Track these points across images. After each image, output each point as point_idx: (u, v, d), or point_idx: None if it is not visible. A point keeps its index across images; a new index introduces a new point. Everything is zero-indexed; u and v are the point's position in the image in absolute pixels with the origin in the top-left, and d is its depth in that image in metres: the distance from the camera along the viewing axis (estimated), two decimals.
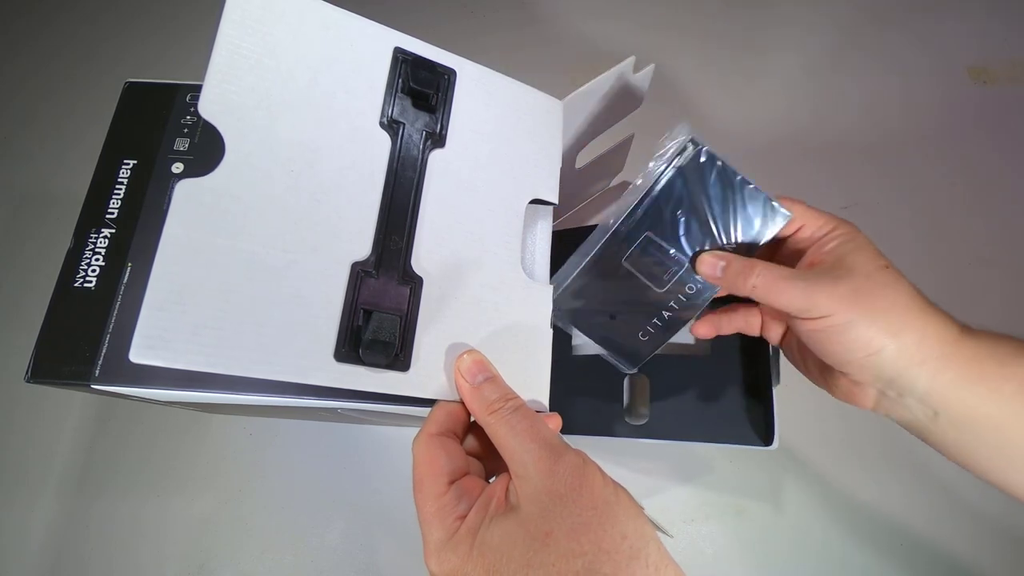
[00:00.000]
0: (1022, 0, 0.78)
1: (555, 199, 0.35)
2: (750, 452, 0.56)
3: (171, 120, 0.34)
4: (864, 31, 0.76)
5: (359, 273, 0.28)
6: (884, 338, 0.32)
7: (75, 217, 0.33)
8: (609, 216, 0.37)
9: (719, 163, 0.36)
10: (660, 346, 0.39)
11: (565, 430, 0.33)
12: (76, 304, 0.32)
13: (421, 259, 0.30)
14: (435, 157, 0.31)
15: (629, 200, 0.37)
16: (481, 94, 0.33)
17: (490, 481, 0.30)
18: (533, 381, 0.32)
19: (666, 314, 0.38)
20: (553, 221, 0.38)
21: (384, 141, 0.30)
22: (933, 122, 0.71)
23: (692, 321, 0.39)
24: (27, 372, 0.31)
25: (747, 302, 0.40)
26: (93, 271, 0.32)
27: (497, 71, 0.35)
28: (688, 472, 0.56)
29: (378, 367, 0.28)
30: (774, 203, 0.36)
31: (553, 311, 0.36)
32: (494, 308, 0.31)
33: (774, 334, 0.41)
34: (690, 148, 0.36)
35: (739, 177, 0.36)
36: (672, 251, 0.37)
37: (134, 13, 0.74)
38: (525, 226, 0.34)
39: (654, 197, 0.37)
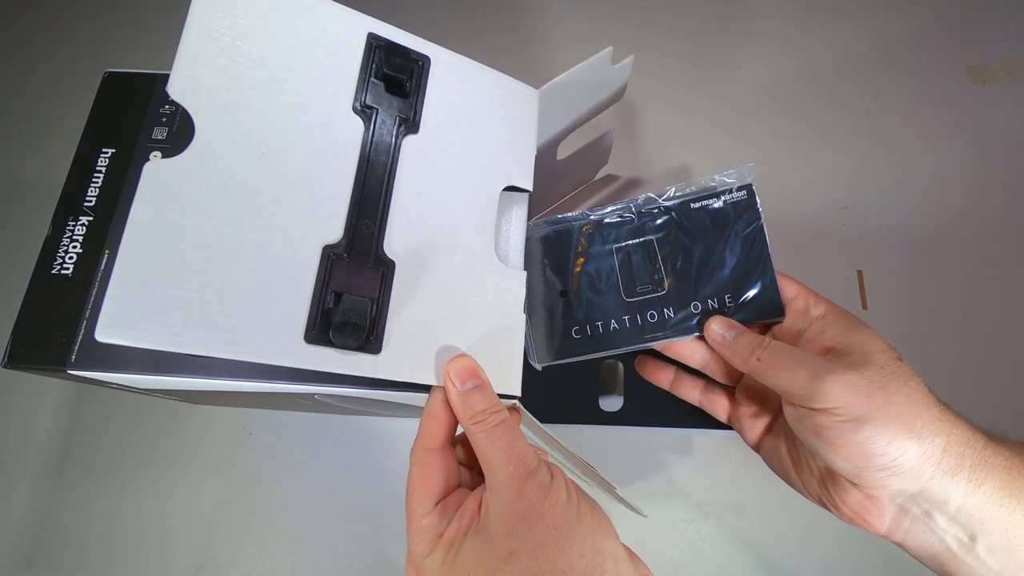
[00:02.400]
0: (1022, 0, 0.77)
1: (529, 186, 0.35)
2: (750, 451, 0.55)
3: (150, 109, 0.35)
4: (861, 30, 0.76)
5: (330, 256, 0.28)
6: (905, 439, 0.27)
7: (52, 206, 0.33)
8: (639, 197, 0.37)
9: (760, 223, 0.35)
10: (583, 357, 0.36)
11: (540, 420, 0.33)
12: (53, 290, 0.32)
13: (394, 244, 0.30)
14: (408, 143, 0.32)
15: (664, 195, 0.36)
16: (455, 81, 0.34)
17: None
18: (506, 369, 0.32)
19: (614, 325, 0.36)
20: (537, 213, 0.38)
21: (357, 126, 0.30)
22: (932, 122, 0.70)
23: (635, 349, 0.36)
24: (3, 358, 0.31)
25: (712, 382, 0.38)
26: (71, 258, 0.32)
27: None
28: (687, 472, 0.56)
29: (348, 349, 0.28)
30: (777, 299, 0.34)
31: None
32: (467, 293, 0.31)
33: (750, 432, 0.37)
34: (744, 193, 0.36)
35: (767, 249, 0.35)
36: (662, 271, 0.36)
37: (108, 3, 0.75)
38: (500, 213, 0.34)
39: (686, 210, 0.36)
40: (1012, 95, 0.72)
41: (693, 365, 0.37)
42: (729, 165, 0.37)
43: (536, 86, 0.37)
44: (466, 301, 0.31)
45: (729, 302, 0.35)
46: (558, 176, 0.48)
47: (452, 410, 0.30)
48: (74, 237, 0.33)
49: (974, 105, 0.71)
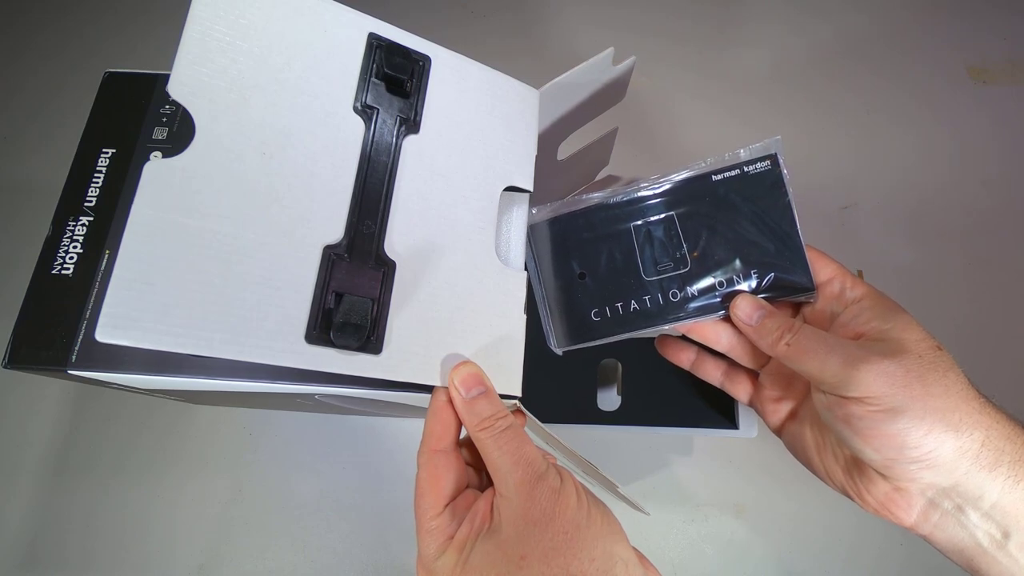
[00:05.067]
0: (1022, 0, 0.77)
1: (530, 187, 0.35)
2: (750, 451, 0.56)
3: (150, 109, 0.35)
4: (862, 31, 0.76)
5: (331, 256, 0.28)
6: (942, 432, 0.26)
7: (53, 206, 0.33)
8: (653, 175, 0.35)
9: (786, 195, 0.33)
10: (603, 339, 0.35)
11: (540, 420, 0.33)
12: (54, 290, 0.32)
13: (394, 244, 0.30)
14: (409, 143, 0.32)
15: (683, 170, 0.34)
16: (456, 81, 0.34)
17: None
18: (506, 369, 0.32)
19: (634, 306, 0.35)
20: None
21: (357, 126, 0.30)
22: (932, 122, 0.70)
23: (657, 331, 0.35)
24: (4, 358, 0.31)
25: (736, 363, 0.37)
26: (71, 258, 0.32)
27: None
28: (687, 472, 0.56)
29: (349, 350, 0.28)
30: (807, 275, 0.33)
31: (537, 218, 0.34)
32: (467, 293, 0.31)
33: (773, 415, 0.36)
34: (767, 164, 0.34)
35: (796, 223, 0.33)
36: (684, 248, 0.34)
37: (108, 3, 0.75)
38: (500, 213, 0.34)
39: (707, 183, 0.34)
40: (1012, 95, 0.72)
41: (718, 349, 0.36)
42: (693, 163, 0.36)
43: (537, 86, 0.37)
44: (466, 301, 0.31)
45: (756, 279, 0.33)
46: (558, 176, 0.48)
47: (456, 411, 0.30)
48: (74, 237, 0.33)
49: (974, 105, 0.72)
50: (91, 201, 0.33)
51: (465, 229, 0.32)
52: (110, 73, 0.36)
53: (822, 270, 0.33)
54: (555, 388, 0.47)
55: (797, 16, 0.77)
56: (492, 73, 0.35)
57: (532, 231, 0.37)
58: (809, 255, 0.34)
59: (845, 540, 0.54)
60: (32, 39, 0.72)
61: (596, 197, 0.36)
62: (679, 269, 0.34)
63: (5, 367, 0.31)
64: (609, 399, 0.47)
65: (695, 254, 0.34)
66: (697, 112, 0.71)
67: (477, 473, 0.32)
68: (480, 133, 0.34)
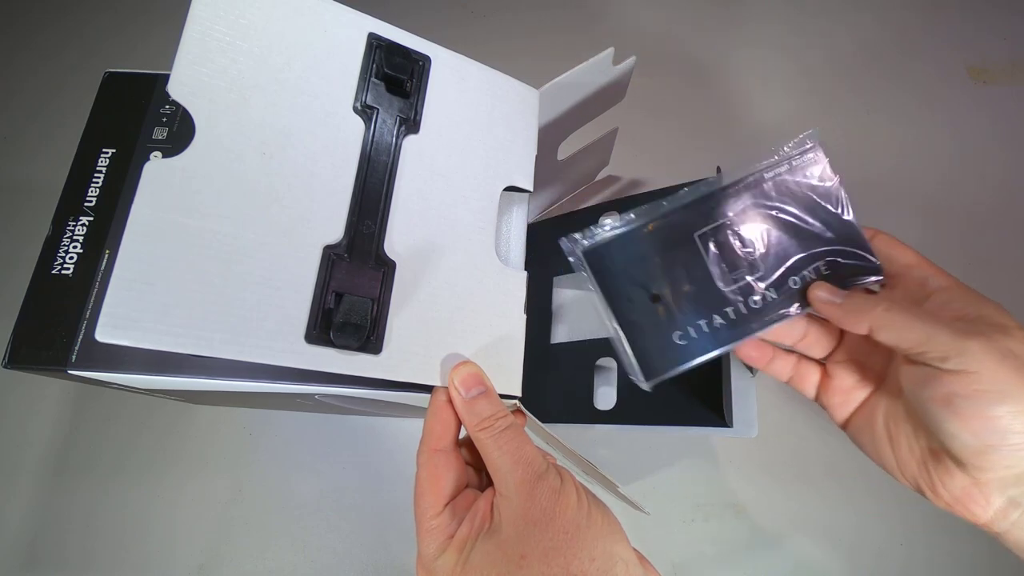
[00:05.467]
0: (1022, 0, 0.77)
1: (530, 186, 0.35)
2: (750, 451, 0.56)
3: (150, 109, 0.35)
4: (862, 31, 0.76)
5: (331, 256, 0.28)
6: None
7: (53, 206, 0.33)
8: (708, 178, 0.34)
9: (833, 180, 0.33)
10: (693, 362, 0.32)
11: (539, 420, 0.33)
12: (54, 290, 0.32)
13: (394, 244, 0.30)
14: (409, 143, 0.32)
15: (736, 171, 0.33)
16: (456, 81, 0.34)
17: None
18: (506, 369, 0.32)
19: (718, 320, 0.32)
20: (537, 213, 0.38)
21: (357, 126, 0.30)
22: (932, 122, 0.70)
23: (742, 341, 0.33)
24: (4, 358, 0.31)
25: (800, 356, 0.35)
26: (71, 258, 0.32)
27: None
28: (687, 472, 0.56)
29: (349, 350, 0.28)
30: (871, 256, 0.32)
31: (588, 244, 0.32)
32: (467, 293, 0.31)
33: (841, 408, 0.34)
34: (811, 155, 0.34)
35: (848, 207, 0.33)
36: (750, 250, 0.33)
37: (108, 3, 0.75)
38: (500, 213, 0.34)
39: (757, 180, 0.33)
40: (1012, 95, 0.72)
41: (788, 343, 0.34)
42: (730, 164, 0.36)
43: (537, 86, 0.37)
44: (466, 301, 0.31)
45: (825, 269, 0.33)
46: (558, 176, 0.48)
47: (456, 410, 0.30)
48: (74, 237, 0.33)
49: (974, 105, 0.71)
50: (91, 201, 0.33)
51: (465, 229, 0.32)
52: (110, 73, 0.36)
53: (902, 256, 0.33)
54: (554, 388, 0.47)
55: (797, 16, 0.77)
56: (492, 73, 0.35)
57: (587, 259, 0.33)
58: (885, 242, 0.33)
59: (845, 540, 0.54)
60: (32, 39, 0.72)
61: (645, 212, 0.33)
62: (754, 273, 0.33)
63: (5, 367, 0.31)
64: (606, 398, 0.47)
65: (763, 255, 0.33)
66: (697, 112, 0.71)
67: (477, 473, 0.32)
68: (480, 133, 0.34)
